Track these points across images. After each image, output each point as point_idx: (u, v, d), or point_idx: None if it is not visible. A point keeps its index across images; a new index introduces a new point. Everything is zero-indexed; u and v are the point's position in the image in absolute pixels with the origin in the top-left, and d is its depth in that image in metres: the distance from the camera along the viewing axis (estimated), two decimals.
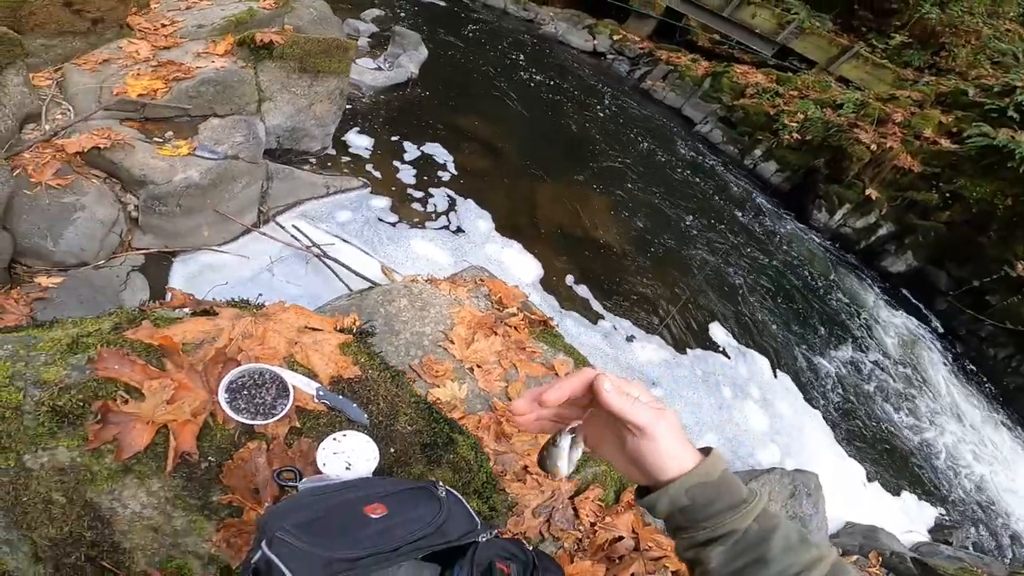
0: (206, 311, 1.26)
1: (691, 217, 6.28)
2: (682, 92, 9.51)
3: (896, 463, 4.45)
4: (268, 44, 3.72)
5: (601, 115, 7.89)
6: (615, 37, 11.09)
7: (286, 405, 1.11)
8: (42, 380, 1.06)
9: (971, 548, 3.98)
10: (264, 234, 3.38)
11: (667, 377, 4.03)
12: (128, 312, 1.21)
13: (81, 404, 1.04)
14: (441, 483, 0.92)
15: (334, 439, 1.11)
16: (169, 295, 1.35)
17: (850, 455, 4.24)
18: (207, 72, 3.53)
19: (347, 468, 1.07)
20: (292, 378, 1.16)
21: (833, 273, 6.60)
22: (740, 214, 6.90)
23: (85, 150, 2.89)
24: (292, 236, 3.47)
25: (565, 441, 0.61)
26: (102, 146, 2.93)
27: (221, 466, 1.09)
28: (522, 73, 8.01)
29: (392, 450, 1.22)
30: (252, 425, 1.10)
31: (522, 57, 8.56)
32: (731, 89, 8.90)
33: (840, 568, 0.55)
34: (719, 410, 4.00)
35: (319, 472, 1.06)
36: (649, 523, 2.19)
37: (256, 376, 1.12)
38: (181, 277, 3.05)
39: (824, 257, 6.89)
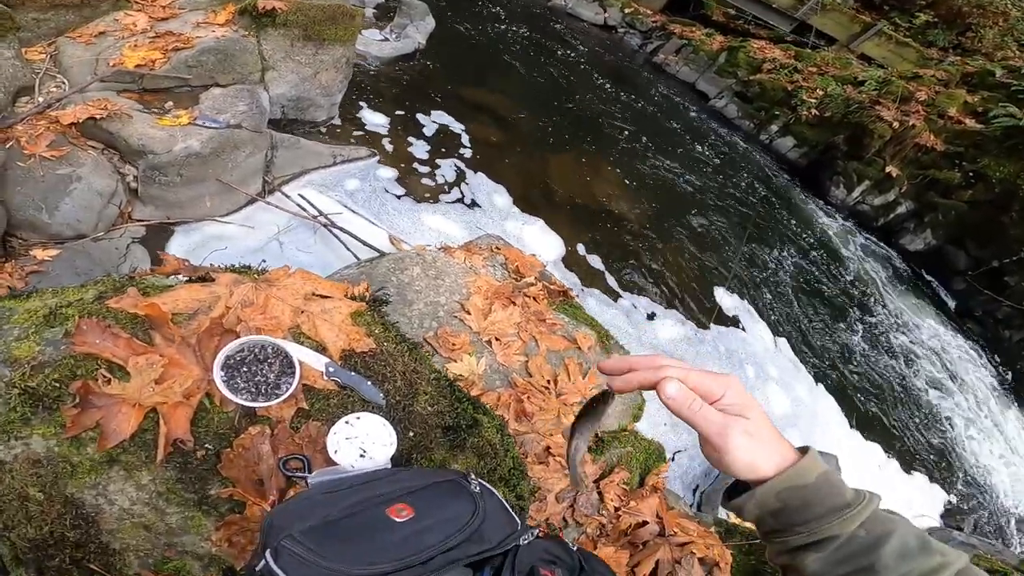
0: (202, 277, 1.11)
1: (705, 190, 6.12)
2: (696, 66, 9.27)
3: (908, 445, 4.38)
4: (271, 12, 3.57)
5: (612, 88, 7.66)
6: (627, 10, 10.78)
7: (291, 384, 0.96)
8: (12, 357, 0.93)
9: (981, 533, 3.92)
10: (269, 204, 3.26)
11: (691, 354, 3.95)
12: (115, 280, 1.06)
13: (57, 385, 0.90)
14: (473, 474, 0.79)
15: (346, 422, 0.96)
16: (162, 260, 1.19)
17: (865, 437, 4.17)
18: (207, 42, 3.41)
19: (362, 455, 0.92)
20: (298, 352, 1.01)
21: (849, 250, 6.48)
22: (755, 189, 6.73)
23: (80, 121, 2.79)
24: (299, 206, 3.34)
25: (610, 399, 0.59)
26: (98, 116, 2.83)
27: (219, 455, 0.95)
28: (530, 45, 7.76)
29: (411, 434, 1.08)
30: (253, 407, 0.96)
31: (530, 29, 8.30)
32: (747, 64, 8.72)
33: (969, 575, 0.49)
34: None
35: (330, 460, 0.92)
36: (674, 507, 2.10)
37: (257, 350, 0.98)
38: (183, 248, 2.94)
39: (840, 234, 6.75)
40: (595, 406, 0.61)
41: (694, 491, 3.26)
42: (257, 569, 0.60)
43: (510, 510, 0.80)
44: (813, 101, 7.76)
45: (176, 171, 2.92)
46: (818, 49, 9.28)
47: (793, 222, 6.44)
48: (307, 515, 0.67)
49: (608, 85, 7.70)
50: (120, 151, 2.93)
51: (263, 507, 0.95)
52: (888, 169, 6.98)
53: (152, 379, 0.92)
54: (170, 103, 3.23)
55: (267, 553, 0.60)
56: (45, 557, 0.88)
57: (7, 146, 2.45)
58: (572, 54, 8.16)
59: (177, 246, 2.88)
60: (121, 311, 0.98)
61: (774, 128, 8.07)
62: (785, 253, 5.75)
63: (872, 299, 5.79)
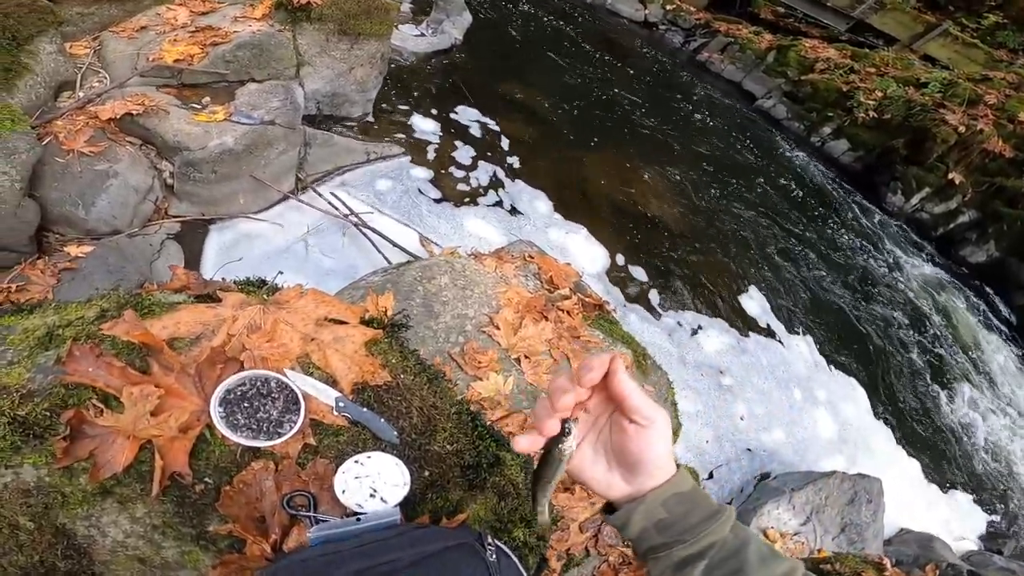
0: (209, 296, 1.04)
1: (752, 194, 5.84)
2: (743, 65, 8.93)
3: (953, 463, 4.16)
4: (306, 6, 3.55)
5: (652, 86, 7.42)
6: (668, 7, 10.47)
7: (296, 423, 0.89)
8: (1, 385, 0.88)
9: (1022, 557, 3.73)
10: (302, 201, 3.23)
11: (736, 364, 3.78)
12: (119, 296, 0.99)
13: (47, 414, 0.86)
14: (491, 537, 0.68)
15: (356, 461, 0.89)
16: (170, 274, 1.12)
17: (910, 454, 3.98)
18: (243, 36, 3.40)
19: (372, 495, 0.85)
20: (306, 384, 0.94)
21: (905, 259, 6.12)
22: (804, 193, 6.41)
23: (118, 116, 2.80)
24: (330, 204, 3.30)
25: (573, 435, 0.55)
26: (135, 112, 2.84)
27: (219, 489, 0.89)
28: (568, 42, 7.58)
29: (427, 473, 0.98)
30: (252, 447, 0.90)
31: (568, 25, 8.12)
32: (798, 64, 8.35)
33: None
34: (789, 409, 3.76)
35: (337, 500, 0.83)
36: None
37: (260, 384, 0.90)
38: (218, 246, 2.93)
39: (896, 242, 6.39)
40: (550, 449, 0.56)
41: (728, 504, 3.08)
42: None
43: None
44: (871, 103, 7.35)
45: (211, 168, 2.91)
46: (877, 49, 8.79)
47: (843, 229, 6.10)
48: None
49: (648, 83, 7.46)
50: (157, 147, 2.94)
51: (263, 546, 0.87)
52: (951, 176, 6.60)
53: (147, 410, 0.85)
54: (207, 99, 3.24)
55: None
56: None
57: (45, 142, 2.47)
58: (610, 51, 7.94)
59: (213, 244, 2.88)
60: (116, 337, 0.91)
61: (826, 130, 7.68)
62: (834, 260, 5.44)
63: (926, 312, 5.44)
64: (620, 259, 4.11)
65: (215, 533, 0.90)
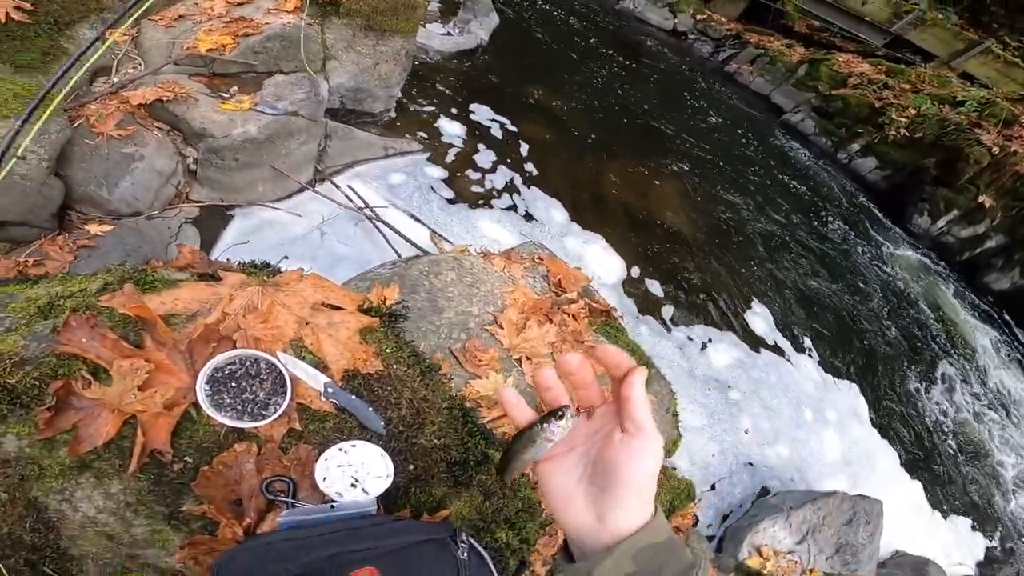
0: (210, 275, 1.05)
1: (772, 209, 5.73)
2: (772, 78, 8.81)
3: (957, 489, 4.09)
4: (335, 0, 3.59)
5: (677, 96, 7.35)
6: (699, 16, 10.38)
7: (280, 405, 0.88)
8: None
9: None
10: (319, 192, 3.27)
11: (744, 379, 3.74)
12: (124, 271, 1.00)
13: (36, 384, 0.85)
14: (465, 535, 0.67)
15: (340, 449, 0.87)
16: (176, 252, 1.13)
17: (913, 477, 3.92)
18: (274, 28, 3.46)
19: (352, 485, 0.84)
20: (296, 368, 0.93)
21: (925, 283, 5.98)
22: (827, 211, 6.27)
23: (148, 102, 2.88)
24: (346, 196, 3.34)
25: (568, 420, 0.51)
26: (165, 99, 2.91)
27: (198, 469, 0.88)
28: (594, 47, 7.55)
29: (411, 467, 0.97)
30: (235, 427, 0.89)
31: (595, 31, 8.09)
32: (830, 78, 8.19)
33: None
34: (796, 427, 3.71)
35: (316, 487, 0.82)
36: (695, 550, 1.91)
37: (249, 364, 0.90)
38: (240, 232, 3.00)
39: (918, 264, 6.24)
40: (533, 426, 0.51)
41: (724, 518, 3.11)
42: None
43: None
44: (903, 120, 7.14)
45: (232, 155, 2.97)
46: (913, 65, 8.56)
47: (864, 249, 5.96)
48: (259, 567, 0.57)
49: (673, 92, 7.40)
50: (183, 133, 3.01)
51: (236, 530, 0.87)
52: (981, 198, 6.39)
53: (135, 385, 0.85)
54: (235, 88, 3.30)
55: None
56: (1, 556, 0.84)
57: (76, 124, 2.55)
58: (636, 59, 7.90)
59: (235, 230, 2.94)
60: (113, 309, 0.92)
61: (855, 147, 7.51)
62: (852, 281, 5.32)
63: (942, 339, 5.30)
64: (635, 271, 4.08)
65: (188, 513, 0.89)
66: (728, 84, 8.85)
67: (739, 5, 10.84)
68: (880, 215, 6.80)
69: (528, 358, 1.69)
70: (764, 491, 3.27)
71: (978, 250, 6.44)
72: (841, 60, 8.39)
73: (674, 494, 1.94)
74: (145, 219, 2.71)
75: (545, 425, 0.50)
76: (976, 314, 5.96)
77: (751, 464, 3.35)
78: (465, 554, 0.67)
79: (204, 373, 0.86)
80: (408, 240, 3.12)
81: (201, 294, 0.97)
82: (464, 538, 0.68)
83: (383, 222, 3.22)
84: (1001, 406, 4.93)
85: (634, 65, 7.62)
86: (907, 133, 7.03)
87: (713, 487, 3.15)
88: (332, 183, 3.39)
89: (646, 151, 5.62)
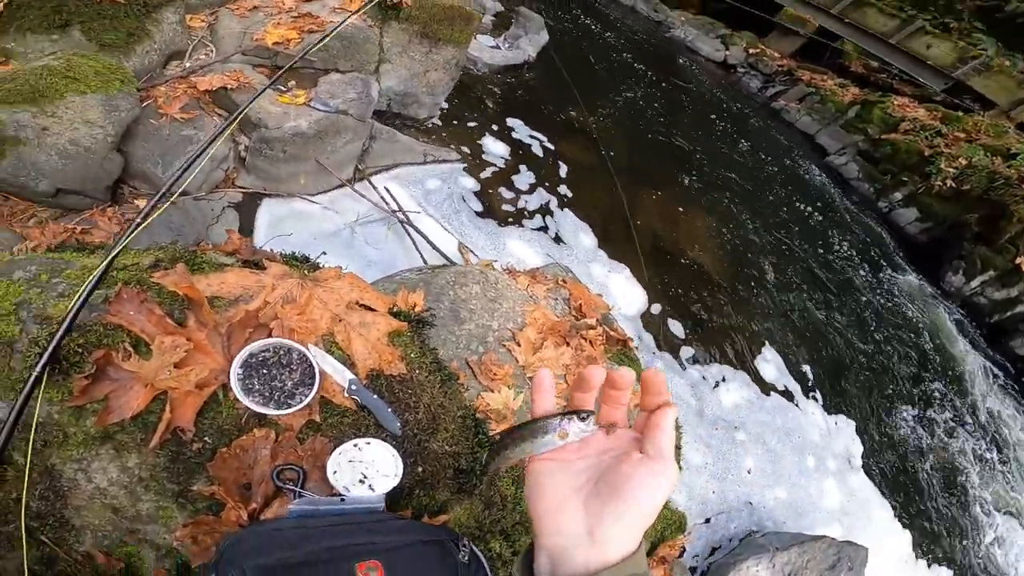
0: (255, 263, 1.09)
1: (801, 253, 5.64)
2: (820, 118, 8.65)
3: (950, 544, 4.00)
4: (397, 4, 3.70)
5: (718, 129, 7.30)
6: (751, 50, 10.30)
7: (306, 397, 0.91)
8: (45, 315, 0.91)
9: None
10: (356, 191, 3.38)
11: (751, 421, 3.74)
12: (175, 250, 1.06)
13: (80, 351, 0.87)
14: (467, 541, 0.69)
15: (355, 445, 0.90)
16: (224, 238, 1.19)
17: (905, 526, 3.88)
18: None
19: (361, 481, 0.87)
20: (325, 362, 0.96)
21: (950, 344, 5.77)
22: (859, 260, 6.13)
23: (214, 88, 3.03)
24: (381, 198, 3.44)
25: (589, 425, 0.48)
26: (230, 87, 3.06)
27: (215, 451, 0.90)
28: (640, 73, 7.58)
29: (420, 469, 1.00)
30: (261, 413, 0.91)
31: (644, 57, 8.12)
32: (882, 121, 7.96)
33: None
34: (798, 473, 3.69)
35: (326, 479, 0.86)
36: None
37: (282, 353, 0.93)
38: (268, 219, 3.10)
39: (945, 324, 6.02)
40: (550, 418, 0.48)
41: (713, 551, 3.11)
42: None
43: None
44: (952, 171, 6.87)
45: (282, 147, 3.10)
46: (971, 113, 8.26)
47: (891, 303, 5.80)
48: (268, 550, 0.61)
49: (715, 125, 7.36)
50: (240, 121, 3.16)
51: (241, 513, 0.89)
52: (1019, 260, 6.11)
53: (172, 362, 0.89)
54: (292, 82, 3.45)
55: None
56: (3, 522, 0.85)
57: (145, 104, 2.71)
58: (683, 88, 7.90)
59: (264, 216, 3.04)
60: (163, 286, 0.96)
61: (898, 196, 7.29)
62: (874, 335, 5.21)
63: (958, 401, 5.15)
64: (656, 307, 4.08)
65: (197, 493, 0.91)
66: (773, 121, 8.75)
67: (795, 41, 10.72)
68: (913, 269, 6.61)
69: None
70: (755, 530, 3.28)
71: (1008, 313, 6.20)
72: (896, 103, 8.15)
73: (666, 524, 1.94)
74: (192, 199, 2.85)
75: (565, 421, 0.47)
76: (998, 379, 5.76)
77: (750, 503, 3.36)
78: (466, 558, 0.69)
79: (240, 357, 0.89)
80: (436, 248, 3.19)
81: (246, 280, 1.02)
82: (466, 543, 0.71)
83: (414, 227, 3.30)
84: (1011, 472, 4.79)
85: (679, 94, 7.61)
86: (954, 185, 6.78)
87: (708, 521, 3.17)
88: (370, 183, 3.50)
89: (681, 182, 5.60)
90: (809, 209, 6.50)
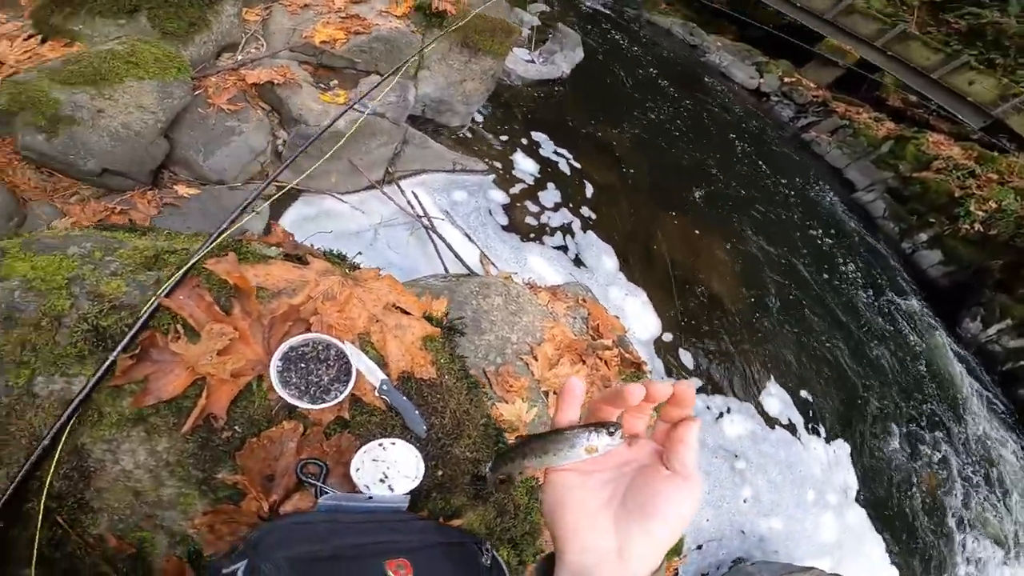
0: (298, 257, 1.11)
1: (817, 288, 5.61)
2: (851, 151, 8.53)
3: None
4: (441, 13, 3.76)
5: (746, 157, 7.29)
6: (786, 79, 10.23)
7: (341, 393, 0.92)
8: (97, 292, 0.92)
9: None
10: (385, 193, 3.45)
11: (753, 452, 3.76)
12: (223, 238, 1.10)
13: (127, 330, 0.88)
14: (488, 544, 0.72)
15: (380, 445, 0.92)
16: (254, 229, 1.22)
17: (894, 563, 3.87)
18: (381, 31, 3.62)
19: (382, 480, 0.89)
20: (360, 361, 0.97)
21: (960, 390, 5.70)
22: (874, 299, 6.07)
23: (261, 82, 3.12)
24: (408, 202, 3.51)
25: (617, 439, 0.46)
26: (276, 81, 3.14)
27: (244, 440, 0.91)
28: (672, 97, 7.61)
29: (440, 473, 1.02)
30: (295, 406, 0.92)
31: (676, 81, 8.15)
32: (914, 159, 7.78)
33: None
34: (795, 506, 3.69)
35: (348, 476, 0.88)
36: None
37: (321, 349, 0.94)
38: (299, 214, 3.20)
39: (956, 369, 5.94)
40: (576, 428, 0.46)
41: None
42: (224, 572, 0.58)
43: None
44: (981, 214, 6.73)
45: (318, 144, 3.17)
46: (1007, 153, 8.06)
47: (903, 344, 5.73)
48: (299, 542, 0.63)
49: (742, 153, 7.34)
50: (281, 116, 3.26)
51: (262, 504, 0.90)
52: None
53: (215, 349, 0.90)
54: (335, 81, 3.53)
55: (244, 566, 0.57)
56: (19, 499, 0.84)
57: (196, 93, 2.81)
58: (713, 114, 7.90)
59: (295, 211, 3.13)
60: (214, 274, 0.98)
61: (923, 237, 7.17)
62: (885, 374, 5.16)
63: (962, 443, 5.10)
64: (668, 336, 4.10)
65: (221, 482, 0.90)
66: (802, 152, 8.69)
67: (833, 72, 10.62)
68: (931, 312, 6.52)
69: (556, 392, 1.76)
70: (744, 558, 3.29)
71: (1021, 362, 6.12)
72: (931, 140, 7.98)
73: None
74: (227, 189, 2.95)
75: (593, 435, 0.46)
76: (1005, 426, 5.68)
77: (743, 532, 3.38)
78: (488, 562, 0.70)
79: (280, 350, 0.91)
80: (458, 257, 3.24)
81: (290, 274, 1.04)
82: (487, 547, 0.72)
83: (437, 234, 3.36)
84: (1006, 513, 4.71)
85: (708, 120, 7.62)
86: (981, 229, 6.66)
87: (700, 547, 3.20)
88: (398, 187, 3.57)
89: (704, 209, 5.61)
90: (830, 244, 6.45)
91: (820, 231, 6.57)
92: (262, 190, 1.51)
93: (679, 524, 0.43)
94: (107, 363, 0.87)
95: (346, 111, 2.31)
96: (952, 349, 6.16)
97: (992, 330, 6.23)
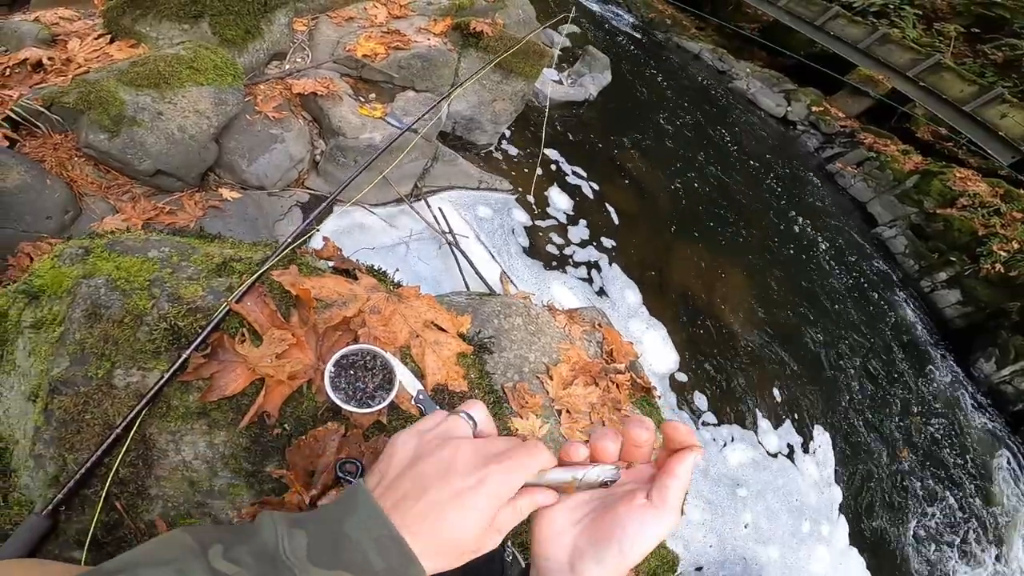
0: (348, 272, 1.22)
1: (832, 323, 5.61)
2: (876, 184, 8.41)
3: None
4: (479, 33, 3.89)
5: (769, 186, 7.31)
6: (814, 108, 10.19)
7: (384, 399, 0.99)
8: (178, 295, 1.01)
9: None
10: (413, 208, 3.58)
11: (753, 480, 3.80)
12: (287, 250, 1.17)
13: (199, 330, 0.98)
14: (510, 544, 0.80)
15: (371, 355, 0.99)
16: (321, 243, 1.33)
17: None
18: (420, 48, 3.77)
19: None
20: (400, 371, 1.04)
21: (966, 430, 5.65)
22: (888, 338, 6.04)
23: (306, 92, 3.28)
24: (435, 218, 3.63)
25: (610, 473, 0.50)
26: (320, 92, 3.29)
27: (292, 437, 0.99)
28: (698, 123, 7.68)
29: None
30: (343, 409, 0.99)
31: (703, 107, 8.23)
32: (939, 194, 7.62)
33: None
34: (791, 536, 3.72)
35: None
36: None
37: (368, 358, 1.01)
38: (333, 227, 3.33)
39: (965, 407, 5.89)
40: (583, 475, 0.50)
41: None
42: None
43: None
44: (1003, 254, 6.59)
45: (354, 156, 3.34)
46: None
47: (914, 383, 5.69)
48: None
49: (766, 182, 7.36)
50: (321, 126, 3.42)
51: (303, 497, 0.96)
52: None
53: (275, 352, 1.00)
54: (373, 95, 3.68)
55: None
56: (83, 484, 0.90)
57: (246, 99, 2.97)
58: (738, 141, 7.93)
59: (331, 223, 3.27)
60: (277, 283, 1.08)
61: (942, 276, 7.04)
62: (894, 415, 5.15)
63: (972, 486, 5.07)
64: (682, 376, 4.14)
65: (268, 474, 0.98)
66: (826, 183, 8.64)
67: (863, 102, 10.55)
68: (945, 352, 6.45)
69: (568, 411, 1.85)
70: None
71: None
72: (958, 175, 7.80)
73: (660, 562, 2.01)
74: (266, 194, 3.11)
75: (587, 475, 0.50)
76: (1014, 470, 5.59)
77: (744, 558, 3.42)
78: (510, 557, 0.77)
79: (334, 357, 0.98)
80: (479, 275, 3.34)
81: (342, 287, 1.14)
82: (509, 544, 0.78)
83: (461, 251, 3.48)
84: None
85: (733, 148, 7.65)
86: (1003, 270, 6.52)
87: (699, 569, 3.25)
88: (426, 202, 3.71)
89: (724, 240, 5.65)
90: (846, 281, 6.42)
91: (837, 267, 6.55)
92: (328, 204, 1.63)
93: (636, 554, 0.46)
94: (182, 359, 0.99)
95: (423, 130, 2.40)
96: (970, 397, 6.08)
97: (1006, 371, 6.14)
